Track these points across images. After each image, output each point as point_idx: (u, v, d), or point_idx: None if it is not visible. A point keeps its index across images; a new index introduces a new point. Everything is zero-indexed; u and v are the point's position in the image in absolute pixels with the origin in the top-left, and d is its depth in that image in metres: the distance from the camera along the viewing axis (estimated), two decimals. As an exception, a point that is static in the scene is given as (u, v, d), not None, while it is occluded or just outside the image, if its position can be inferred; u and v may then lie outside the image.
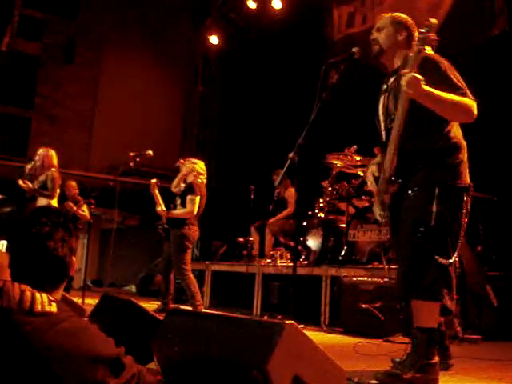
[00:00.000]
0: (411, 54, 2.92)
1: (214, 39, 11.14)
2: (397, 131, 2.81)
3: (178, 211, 5.92)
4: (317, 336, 4.54)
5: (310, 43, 8.64)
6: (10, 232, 1.68)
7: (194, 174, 6.00)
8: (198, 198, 5.87)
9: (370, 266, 5.32)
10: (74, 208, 7.63)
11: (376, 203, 3.05)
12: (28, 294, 1.50)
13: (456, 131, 2.87)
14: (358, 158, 6.17)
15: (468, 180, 2.84)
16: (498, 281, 5.05)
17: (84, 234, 7.90)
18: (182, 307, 2.11)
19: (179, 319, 2.14)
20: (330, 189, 6.41)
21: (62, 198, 7.20)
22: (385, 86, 3.08)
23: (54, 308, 1.52)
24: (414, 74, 2.61)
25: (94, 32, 11.80)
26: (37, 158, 6.69)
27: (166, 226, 6.07)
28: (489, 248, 5.47)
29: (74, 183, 8.20)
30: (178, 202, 5.99)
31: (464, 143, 2.88)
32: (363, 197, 6.06)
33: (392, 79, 3.01)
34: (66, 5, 11.56)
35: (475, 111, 2.73)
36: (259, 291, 6.50)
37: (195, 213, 5.87)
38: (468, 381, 2.87)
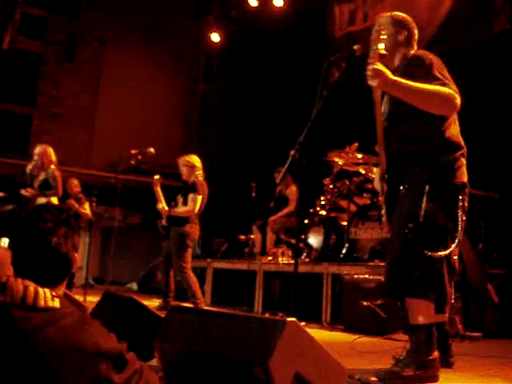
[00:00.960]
0: (412, 52, 2.93)
1: (215, 37, 11.14)
2: (378, 128, 2.85)
3: (179, 209, 5.92)
4: (318, 333, 4.54)
5: (311, 41, 8.64)
6: (13, 228, 1.69)
7: (196, 172, 5.97)
8: (200, 198, 5.86)
9: (371, 263, 5.32)
10: (76, 206, 7.65)
11: (382, 203, 3.08)
12: (31, 289, 1.51)
13: (452, 130, 2.85)
14: (360, 156, 6.17)
15: (464, 179, 2.84)
16: (499, 279, 5.05)
17: (86, 231, 7.90)
18: (184, 305, 2.12)
19: (180, 317, 2.15)
20: (331, 186, 6.41)
21: (64, 196, 7.21)
22: None
23: (56, 303, 1.53)
24: (376, 66, 2.64)
25: (95, 30, 11.78)
26: (36, 157, 6.68)
27: (165, 223, 6.08)
28: (490, 246, 5.47)
29: (75, 181, 8.21)
30: (181, 200, 5.99)
31: (461, 142, 2.87)
32: (364, 194, 6.06)
33: None
34: (68, 3, 11.55)
35: (456, 101, 2.70)
36: (260, 289, 6.50)
37: (196, 212, 5.87)
38: (469, 378, 2.88)
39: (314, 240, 6.39)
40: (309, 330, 1.80)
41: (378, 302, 4.72)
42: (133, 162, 6.71)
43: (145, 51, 11.83)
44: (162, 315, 2.37)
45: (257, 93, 9.92)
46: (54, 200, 6.70)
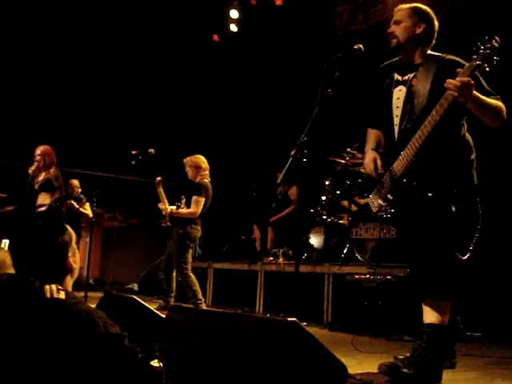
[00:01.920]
0: (449, 57, 2.88)
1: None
2: (423, 133, 2.76)
3: (182, 211, 5.88)
4: (319, 334, 4.54)
5: (312, 41, 8.63)
6: (15, 229, 1.76)
7: (202, 173, 5.94)
8: (202, 200, 5.83)
9: (372, 263, 5.32)
10: (77, 206, 7.64)
11: (376, 195, 3.04)
12: (37, 283, 1.66)
13: (467, 133, 2.90)
14: (361, 156, 6.16)
15: (476, 180, 2.90)
16: (499, 278, 5.04)
17: (87, 232, 7.90)
18: (184, 305, 2.11)
19: (181, 317, 2.15)
20: (332, 187, 6.41)
21: (65, 197, 7.21)
22: (399, 78, 3.04)
23: (62, 295, 1.67)
24: (469, 79, 2.58)
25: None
26: (38, 157, 6.69)
27: (168, 224, 6.07)
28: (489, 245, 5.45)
29: (76, 181, 8.22)
30: (184, 200, 5.96)
31: (472, 144, 2.91)
32: (365, 194, 6.05)
33: (411, 75, 2.97)
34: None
35: (505, 116, 2.78)
36: (261, 289, 6.49)
37: (198, 214, 5.85)
38: (469, 378, 2.88)
39: (316, 240, 6.39)
40: (310, 330, 1.80)
41: (380, 302, 4.71)
42: (133, 162, 6.70)
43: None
44: (163, 315, 2.37)
45: (257, 92, 9.91)
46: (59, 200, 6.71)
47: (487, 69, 2.65)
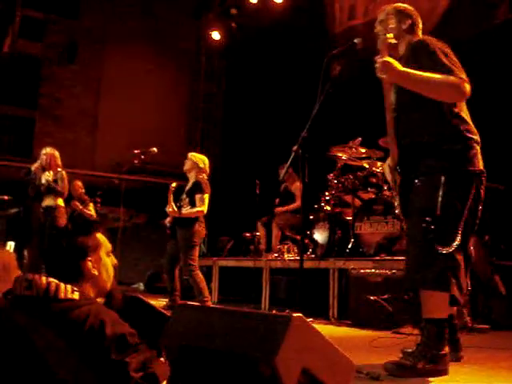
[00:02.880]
0: (415, 40, 2.92)
1: (215, 35, 11.13)
2: (389, 120, 2.83)
3: (190, 210, 5.83)
4: (325, 329, 4.53)
5: (312, 36, 8.61)
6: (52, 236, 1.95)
7: (197, 170, 5.95)
8: (207, 196, 5.82)
9: (377, 257, 5.31)
10: (80, 207, 7.67)
11: (395, 195, 3.07)
12: (53, 284, 1.72)
13: (463, 117, 2.82)
14: (363, 150, 6.16)
15: (480, 166, 2.79)
16: (506, 270, 5.03)
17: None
18: (190, 303, 2.11)
19: (187, 314, 2.14)
20: (335, 182, 6.39)
21: (68, 198, 7.23)
22: None
23: (76, 296, 1.74)
24: (384, 59, 2.64)
25: (95, 31, 11.80)
26: (44, 157, 6.72)
27: (171, 224, 6.07)
28: (497, 237, 5.44)
29: (79, 182, 8.23)
30: (186, 200, 5.93)
31: (474, 129, 2.83)
32: (369, 189, 6.03)
33: None
34: (67, 5, 11.56)
35: (465, 89, 2.67)
36: (267, 286, 6.50)
37: (206, 211, 5.84)
38: (477, 370, 2.86)
39: (320, 236, 6.37)
40: (316, 326, 1.79)
41: (385, 297, 4.71)
42: (136, 162, 6.72)
43: (146, 51, 11.83)
44: (169, 314, 2.37)
45: (259, 89, 9.90)
46: (60, 201, 6.74)
47: (393, 25, 2.85)
